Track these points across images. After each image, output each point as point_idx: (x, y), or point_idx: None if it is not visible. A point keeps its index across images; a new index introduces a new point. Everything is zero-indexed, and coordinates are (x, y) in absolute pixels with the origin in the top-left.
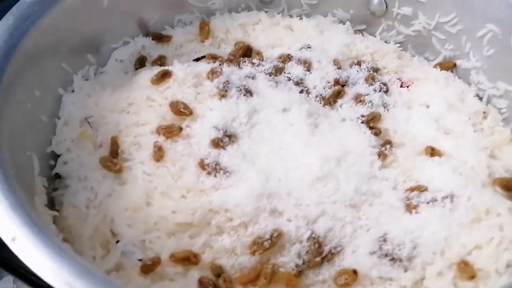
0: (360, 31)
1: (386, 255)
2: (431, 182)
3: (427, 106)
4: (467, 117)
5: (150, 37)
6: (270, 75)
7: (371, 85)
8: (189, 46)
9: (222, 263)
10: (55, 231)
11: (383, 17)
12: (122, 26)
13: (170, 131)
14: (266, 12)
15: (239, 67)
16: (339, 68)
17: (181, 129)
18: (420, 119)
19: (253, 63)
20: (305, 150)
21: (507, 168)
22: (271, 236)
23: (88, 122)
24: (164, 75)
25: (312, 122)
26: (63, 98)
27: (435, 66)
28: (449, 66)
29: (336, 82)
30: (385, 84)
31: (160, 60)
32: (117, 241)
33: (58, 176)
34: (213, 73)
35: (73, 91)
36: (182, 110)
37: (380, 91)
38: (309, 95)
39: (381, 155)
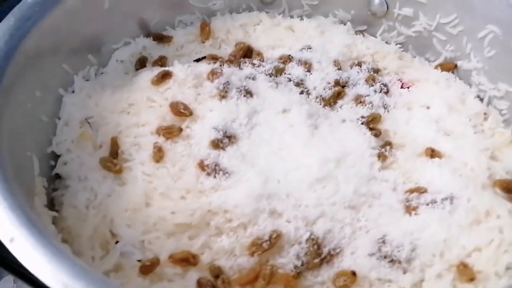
0: (361, 31)
1: (385, 257)
2: (430, 184)
3: (428, 107)
4: (467, 118)
5: (151, 37)
6: (270, 76)
7: (372, 86)
8: (189, 46)
9: (221, 264)
10: (54, 231)
11: (384, 17)
12: (123, 26)
13: (170, 132)
14: (267, 12)
15: (239, 67)
16: (339, 69)
17: (181, 130)
18: (420, 120)
19: (253, 64)
20: (304, 151)
21: (508, 170)
22: (270, 237)
23: (89, 123)
24: (165, 76)
25: (312, 123)
26: (64, 98)
27: (436, 67)
28: (450, 67)
29: (337, 83)
30: (385, 85)
31: (161, 61)
32: (116, 242)
33: (58, 176)
34: (213, 74)
35: (73, 91)
36: (182, 111)
37: (380, 92)
38: (309, 96)
39: (381, 157)
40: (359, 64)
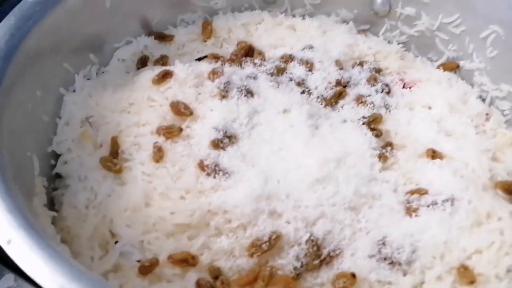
0: (364, 31)
1: (385, 259)
2: (431, 185)
3: (429, 108)
4: (469, 119)
5: (153, 36)
6: (271, 75)
7: (373, 86)
8: (191, 45)
9: (220, 265)
10: (53, 232)
11: (386, 17)
12: (125, 25)
13: (170, 132)
14: (269, 11)
15: (241, 67)
16: (341, 68)
17: (181, 129)
18: (422, 121)
19: (255, 63)
20: (305, 152)
21: (509, 171)
22: (270, 238)
23: (89, 122)
24: (165, 75)
25: (312, 123)
26: (65, 98)
27: (438, 67)
28: (452, 67)
29: (338, 82)
30: (387, 85)
31: (162, 60)
32: (116, 242)
33: (58, 175)
34: (214, 74)
35: (74, 90)
36: (182, 110)
37: (382, 92)
38: (311, 96)
39: (382, 157)
40: (361, 64)
